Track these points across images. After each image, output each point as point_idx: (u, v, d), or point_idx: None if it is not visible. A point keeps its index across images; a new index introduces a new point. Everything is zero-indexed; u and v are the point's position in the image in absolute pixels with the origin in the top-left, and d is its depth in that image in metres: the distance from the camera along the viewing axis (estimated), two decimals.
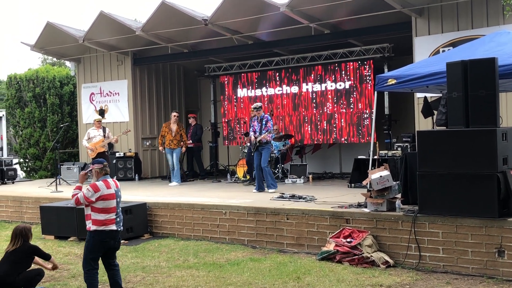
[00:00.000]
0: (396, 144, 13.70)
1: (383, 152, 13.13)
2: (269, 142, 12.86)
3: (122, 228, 7.27)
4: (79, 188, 7.20)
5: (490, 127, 8.01)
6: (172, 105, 18.94)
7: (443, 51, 12.42)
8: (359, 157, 13.59)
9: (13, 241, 7.77)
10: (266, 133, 12.65)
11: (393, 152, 13.09)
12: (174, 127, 15.28)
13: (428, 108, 10.35)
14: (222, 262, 9.16)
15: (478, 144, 8.07)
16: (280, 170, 15.21)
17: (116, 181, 7.42)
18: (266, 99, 16.64)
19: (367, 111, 15.02)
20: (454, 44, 12.24)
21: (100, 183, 7.09)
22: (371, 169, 9.75)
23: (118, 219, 7.15)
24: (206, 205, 11.00)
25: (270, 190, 12.33)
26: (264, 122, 12.72)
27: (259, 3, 13.44)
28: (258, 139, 12.69)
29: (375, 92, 10.20)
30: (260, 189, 12.77)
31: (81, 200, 7.05)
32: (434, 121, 9.76)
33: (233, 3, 13.62)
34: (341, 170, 16.98)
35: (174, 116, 15.40)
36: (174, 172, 15.26)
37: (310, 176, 15.06)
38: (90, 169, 7.36)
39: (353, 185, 12.99)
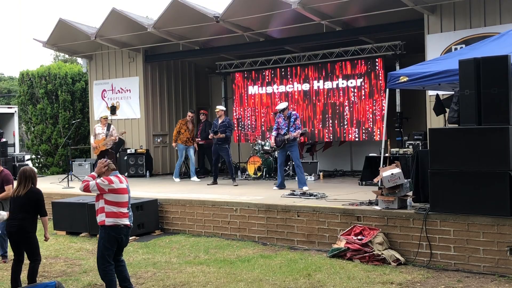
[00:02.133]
0: (408, 142, 13.64)
1: (394, 150, 13.09)
2: (296, 139, 12.80)
3: (132, 225, 7.31)
4: (93, 176, 7.23)
5: (502, 125, 7.97)
6: (184, 102, 18.98)
7: (455, 48, 12.36)
8: (370, 155, 13.56)
9: (23, 184, 7.53)
10: (298, 131, 12.61)
11: (405, 150, 13.05)
12: (190, 125, 15.64)
13: (440, 106, 10.31)
14: (233, 259, 9.18)
15: (490, 142, 8.04)
16: (291, 167, 15.20)
17: (126, 177, 7.49)
18: (277, 96, 16.63)
19: (379, 109, 14.97)
20: (466, 41, 12.17)
21: (113, 177, 7.15)
22: (382, 167, 9.72)
23: (130, 213, 7.21)
24: (217, 202, 11.03)
25: (305, 188, 12.25)
26: (293, 120, 12.68)
27: (271, 0, 13.41)
28: (287, 137, 12.63)
29: (387, 89, 10.14)
30: (282, 186, 12.74)
31: (91, 187, 7.06)
32: (446, 118, 9.72)
33: (245, 0, 13.60)
34: (352, 168, 16.94)
35: (190, 116, 15.82)
36: (192, 168, 15.64)
37: (321, 173, 15.05)
38: (107, 161, 7.38)
39: (364, 183, 12.96)
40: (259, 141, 15.82)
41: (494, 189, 7.99)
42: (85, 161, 17.97)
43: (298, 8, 13.03)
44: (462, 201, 8.27)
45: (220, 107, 14.62)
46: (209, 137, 14.53)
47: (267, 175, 15.20)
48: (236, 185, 13.76)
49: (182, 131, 15.43)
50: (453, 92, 10.52)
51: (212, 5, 15.56)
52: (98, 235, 7.27)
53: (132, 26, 15.99)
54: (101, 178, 7.12)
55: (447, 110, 9.92)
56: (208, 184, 14.16)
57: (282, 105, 13.03)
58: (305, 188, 12.18)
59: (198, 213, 11.19)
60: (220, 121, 14.18)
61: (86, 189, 7.14)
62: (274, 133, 12.92)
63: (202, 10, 14.67)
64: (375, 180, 9.43)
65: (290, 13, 13.74)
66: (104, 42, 17.16)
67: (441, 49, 12.61)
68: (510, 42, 9.13)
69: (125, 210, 7.13)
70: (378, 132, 14.97)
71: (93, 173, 7.36)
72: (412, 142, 13.51)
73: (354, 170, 16.66)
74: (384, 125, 10.69)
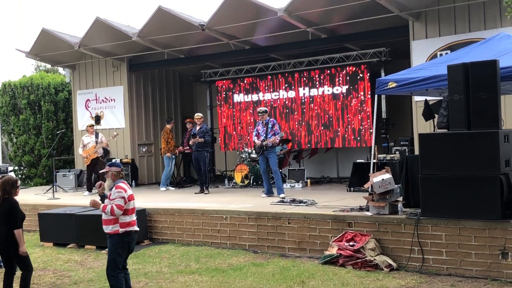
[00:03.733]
0: (394, 148, 13.70)
1: (381, 155, 13.12)
2: (275, 146, 12.83)
3: (138, 229, 7.34)
4: (105, 207, 7.12)
5: (492, 129, 8.03)
6: (168, 111, 18.90)
7: (441, 54, 12.45)
8: (357, 161, 13.59)
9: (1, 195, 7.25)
10: (276, 136, 12.66)
11: (392, 155, 13.10)
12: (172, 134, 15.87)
13: (429, 111, 10.35)
14: (225, 267, 9.12)
15: (480, 146, 8.09)
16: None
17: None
18: (262, 104, 16.63)
19: (364, 116, 15.03)
20: (451, 47, 12.27)
21: (122, 184, 7.13)
22: (372, 172, 9.74)
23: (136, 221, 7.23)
24: (206, 210, 10.96)
25: (281, 195, 12.27)
26: (270, 126, 12.72)
27: (257, 8, 13.44)
28: (265, 143, 12.67)
29: (375, 95, 10.17)
30: (270, 193, 12.76)
31: (117, 211, 7.00)
32: (435, 124, 9.78)
33: (231, 8, 13.61)
34: (338, 174, 16.97)
35: (172, 125, 16.09)
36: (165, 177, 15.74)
37: (308, 180, 15.06)
38: (105, 170, 7.35)
39: (352, 189, 12.98)
40: (246, 149, 15.79)
41: (485, 193, 8.03)
42: (69, 171, 17.82)
43: (284, 16, 13.06)
44: (453, 205, 8.30)
45: (200, 114, 14.65)
46: (190, 143, 14.50)
47: (254, 183, 15.17)
48: (207, 193, 13.84)
49: (169, 140, 15.42)
50: (440, 98, 10.62)
51: (197, 13, 15.50)
52: (107, 243, 7.23)
53: (116, 35, 15.92)
54: (114, 192, 7.05)
55: (436, 115, 9.97)
56: (195, 193, 14.09)
57: (262, 108, 13.25)
58: (281, 195, 12.22)
59: (188, 222, 11.11)
60: (198, 128, 14.23)
61: (118, 214, 7.05)
62: (254, 139, 13.00)
63: (187, 19, 14.66)
64: (366, 185, 9.45)
65: (275, 21, 13.78)
66: (88, 52, 17.06)
67: (427, 55, 12.70)
68: (495, 47, 9.21)
69: (134, 216, 7.18)
70: (365, 139, 15.02)
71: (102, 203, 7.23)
72: (398, 148, 13.57)
73: (340, 176, 16.69)
74: (373, 131, 10.70)
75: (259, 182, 15.15)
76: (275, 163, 12.77)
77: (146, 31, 15.25)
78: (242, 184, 15.25)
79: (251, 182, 15.21)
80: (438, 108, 10.14)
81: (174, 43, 16.00)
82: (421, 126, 12.69)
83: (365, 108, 15.04)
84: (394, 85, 9.50)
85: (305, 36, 14.40)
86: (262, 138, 12.77)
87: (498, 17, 11.87)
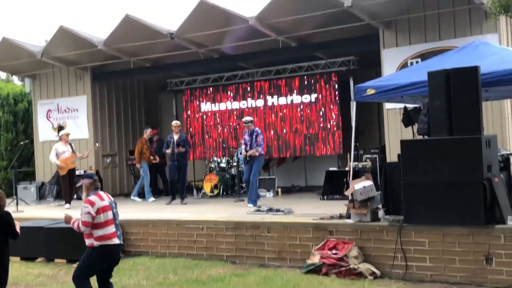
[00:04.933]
0: (365, 156, 13.73)
1: (353, 163, 13.09)
2: (261, 155, 12.67)
3: (123, 243, 7.02)
4: (73, 223, 6.89)
5: (474, 135, 8.07)
6: (133, 121, 18.56)
7: (411, 63, 12.56)
8: (330, 169, 13.56)
9: None
10: (253, 150, 12.51)
11: (363, 163, 13.12)
12: (149, 143, 15.48)
13: (408, 118, 10.38)
14: (205, 279, 8.91)
15: (463, 152, 8.11)
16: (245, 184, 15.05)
17: (108, 194, 7.18)
18: (231, 113, 16.50)
19: (334, 124, 15.05)
20: (422, 55, 12.38)
21: (93, 197, 6.83)
22: (352, 180, 9.69)
23: (118, 232, 6.90)
24: (182, 221, 10.73)
25: (249, 205, 12.11)
26: (254, 136, 12.57)
27: (228, 16, 13.30)
28: (248, 153, 12.57)
29: (353, 102, 10.16)
30: (255, 202, 12.50)
31: (83, 228, 6.75)
32: (415, 130, 9.80)
33: (201, 16, 13.42)
34: (306, 183, 16.92)
35: (151, 133, 15.67)
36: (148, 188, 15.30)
37: (279, 189, 14.95)
38: (80, 184, 7.09)
39: (325, 197, 12.94)
40: (215, 158, 15.59)
41: (469, 198, 8.05)
42: (30, 184, 17.30)
43: (255, 24, 12.97)
44: (436, 212, 8.30)
45: (178, 122, 14.40)
46: (167, 152, 13.99)
47: (224, 193, 14.98)
48: (185, 204, 13.56)
49: (144, 150, 15.09)
50: (415, 105, 10.69)
51: (166, 23, 15.25)
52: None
53: (81, 44, 15.53)
54: (83, 205, 6.78)
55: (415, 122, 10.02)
56: (167, 204, 13.81)
57: (247, 118, 13.08)
58: (249, 205, 12.07)
59: (162, 233, 10.84)
60: (177, 136, 13.93)
61: (85, 231, 6.79)
62: (242, 147, 12.84)
63: (156, 27, 14.42)
64: (347, 193, 9.38)
65: (245, 29, 13.65)
66: (51, 61, 16.59)
67: (397, 64, 12.79)
68: (472, 54, 9.31)
69: (112, 228, 6.82)
70: (333, 147, 15.04)
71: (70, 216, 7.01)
72: (369, 156, 13.59)
73: (309, 185, 16.64)
74: (353, 138, 10.67)
75: (229, 192, 14.98)
76: (256, 173, 12.57)
77: (112, 39, 14.92)
78: (211, 194, 15.03)
79: (221, 192, 15.00)
80: (414, 114, 10.21)
81: (140, 52, 15.70)
82: (393, 133, 12.77)
83: (333, 116, 15.06)
84: (372, 92, 9.49)
85: (274, 45, 14.33)
86: (247, 147, 12.62)
87: (468, 25, 12.05)
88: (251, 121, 12.91)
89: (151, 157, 15.27)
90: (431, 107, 8.52)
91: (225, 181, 15.05)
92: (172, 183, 14.16)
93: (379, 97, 9.73)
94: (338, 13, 12.50)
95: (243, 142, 12.90)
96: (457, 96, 8.20)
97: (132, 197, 15.38)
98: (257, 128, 12.93)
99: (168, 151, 13.93)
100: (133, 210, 12.85)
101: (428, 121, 8.75)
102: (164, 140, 16.14)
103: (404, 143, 8.79)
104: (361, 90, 9.71)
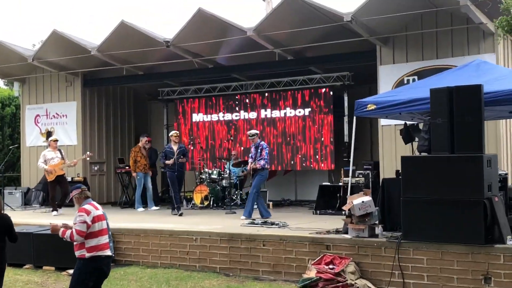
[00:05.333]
0: (358, 172, 13.66)
1: (346, 179, 13.04)
2: (264, 169, 12.42)
3: (114, 254, 6.84)
4: (64, 232, 6.72)
5: (476, 154, 8.05)
6: (122, 129, 18.38)
7: (408, 80, 12.59)
8: (323, 183, 13.50)
9: None
10: (255, 162, 12.35)
11: (357, 179, 13.05)
12: (144, 152, 15.13)
13: (409, 135, 10.36)
14: None
15: (464, 171, 8.08)
16: (238, 196, 14.92)
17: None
18: (222, 124, 16.41)
19: (327, 139, 15.01)
20: (419, 73, 12.41)
21: (87, 206, 6.67)
22: (350, 195, 9.63)
23: (111, 244, 6.73)
24: (175, 231, 10.57)
25: (243, 217, 11.96)
26: (259, 150, 12.42)
27: (225, 27, 13.24)
28: (248, 166, 12.57)
29: (354, 117, 10.10)
30: (263, 214, 12.30)
31: (76, 237, 6.57)
32: (416, 147, 9.78)
33: (198, 25, 13.33)
34: (296, 197, 16.83)
35: (146, 141, 15.27)
36: (150, 197, 15.02)
37: (271, 203, 14.82)
38: (70, 198, 6.94)
39: (318, 212, 12.84)
40: (206, 170, 15.45)
41: (469, 217, 8.01)
42: (15, 189, 17.04)
43: (253, 36, 12.92)
44: (435, 229, 8.25)
45: (177, 132, 14.24)
46: (168, 162, 13.63)
47: (214, 204, 14.82)
48: (181, 214, 13.28)
49: (138, 158, 14.85)
50: (412, 122, 10.69)
51: (160, 31, 15.16)
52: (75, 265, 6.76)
53: (74, 49, 15.34)
54: (77, 214, 6.62)
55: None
56: (173, 214, 13.47)
57: (252, 131, 12.86)
58: (242, 217, 11.92)
59: (154, 243, 10.67)
60: (176, 147, 13.73)
61: (79, 240, 6.61)
62: (250, 160, 12.68)
63: (151, 34, 14.31)
64: (345, 207, 9.29)
65: (242, 40, 13.61)
66: (42, 65, 16.40)
67: (393, 81, 12.80)
68: (473, 73, 9.33)
69: (105, 239, 6.66)
70: (326, 161, 14.99)
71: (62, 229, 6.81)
72: (362, 171, 13.54)
73: (299, 199, 16.55)
74: (352, 153, 10.62)
75: (219, 204, 14.83)
76: (256, 186, 12.34)
77: (106, 45, 14.77)
78: (202, 205, 14.87)
79: (211, 203, 14.84)
80: (413, 131, 10.21)
81: (134, 59, 15.55)
82: (387, 150, 12.77)
83: (326, 131, 15.03)
84: (373, 107, 9.47)
85: (270, 57, 14.27)
86: (252, 160, 12.46)
87: (466, 44, 12.10)
88: (256, 134, 12.64)
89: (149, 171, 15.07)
90: (432, 124, 8.49)
91: (216, 192, 14.90)
92: (176, 194, 13.75)
93: (378, 112, 9.72)
94: (336, 28, 12.52)
95: (250, 155, 12.72)
96: (459, 113, 8.17)
97: (136, 209, 14.96)
98: (262, 142, 12.74)
99: (170, 162, 13.57)
100: (123, 219, 12.67)
101: (429, 138, 8.72)
102: (155, 149, 16.03)
103: (404, 160, 8.74)
104: (361, 106, 9.68)
